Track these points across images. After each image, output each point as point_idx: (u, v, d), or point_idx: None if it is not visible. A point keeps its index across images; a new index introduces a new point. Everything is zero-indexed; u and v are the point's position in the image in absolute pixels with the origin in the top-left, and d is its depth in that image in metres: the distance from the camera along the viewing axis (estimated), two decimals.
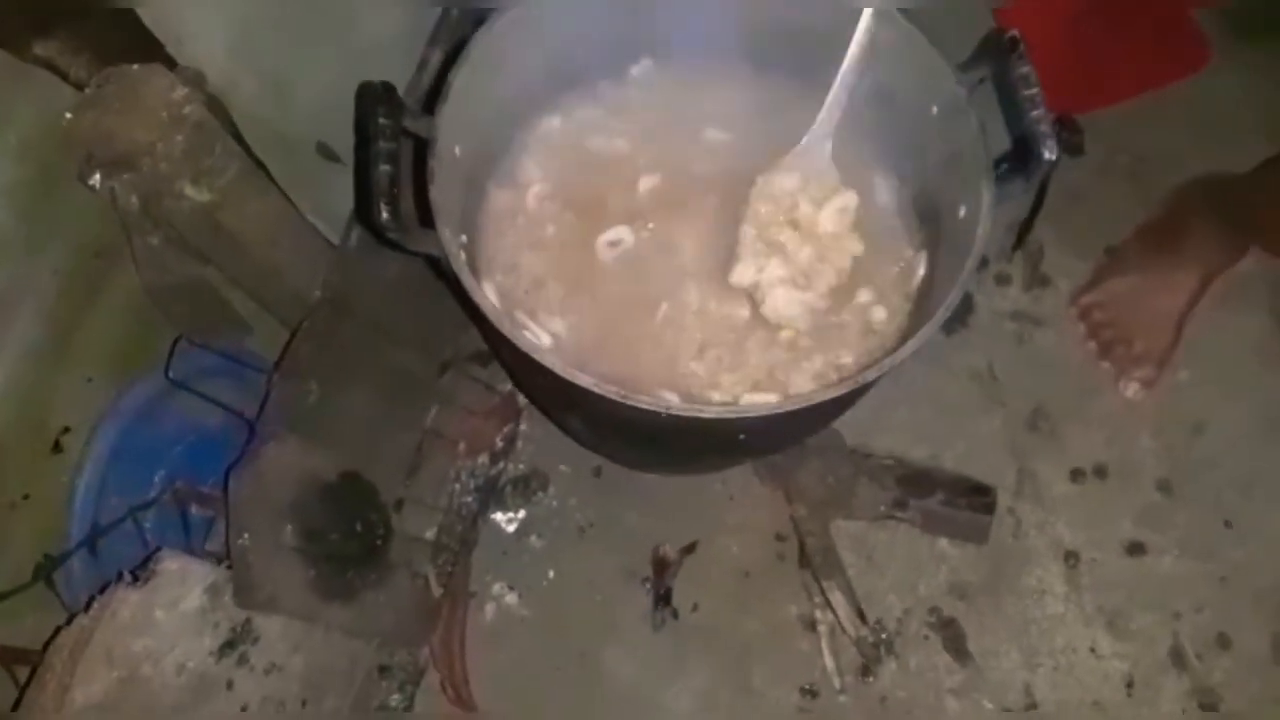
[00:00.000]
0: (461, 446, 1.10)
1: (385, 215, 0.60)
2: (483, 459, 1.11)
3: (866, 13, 0.71)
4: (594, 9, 0.80)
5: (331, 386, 0.97)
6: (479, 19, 0.74)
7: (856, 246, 0.77)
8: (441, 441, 1.09)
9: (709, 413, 0.60)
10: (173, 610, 0.77)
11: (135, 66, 0.82)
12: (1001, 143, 0.73)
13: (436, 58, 0.91)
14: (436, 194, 0.65)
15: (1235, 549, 1.11)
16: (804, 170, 0.77)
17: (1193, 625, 1.08)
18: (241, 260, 0.95)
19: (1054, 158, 0.63)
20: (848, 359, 0.75)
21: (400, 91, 1.00)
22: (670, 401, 0.68)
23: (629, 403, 0.59)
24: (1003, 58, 0.67)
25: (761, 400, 0.70)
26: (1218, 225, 1.16)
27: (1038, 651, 1.07)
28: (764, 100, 0.85)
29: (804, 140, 0.77)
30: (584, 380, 0.59)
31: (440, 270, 0.64)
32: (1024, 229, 1.22)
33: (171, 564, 0.76)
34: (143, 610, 0.74)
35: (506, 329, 0.61)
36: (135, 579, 0.75)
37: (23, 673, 0.77)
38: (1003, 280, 1.24)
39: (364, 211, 0.74)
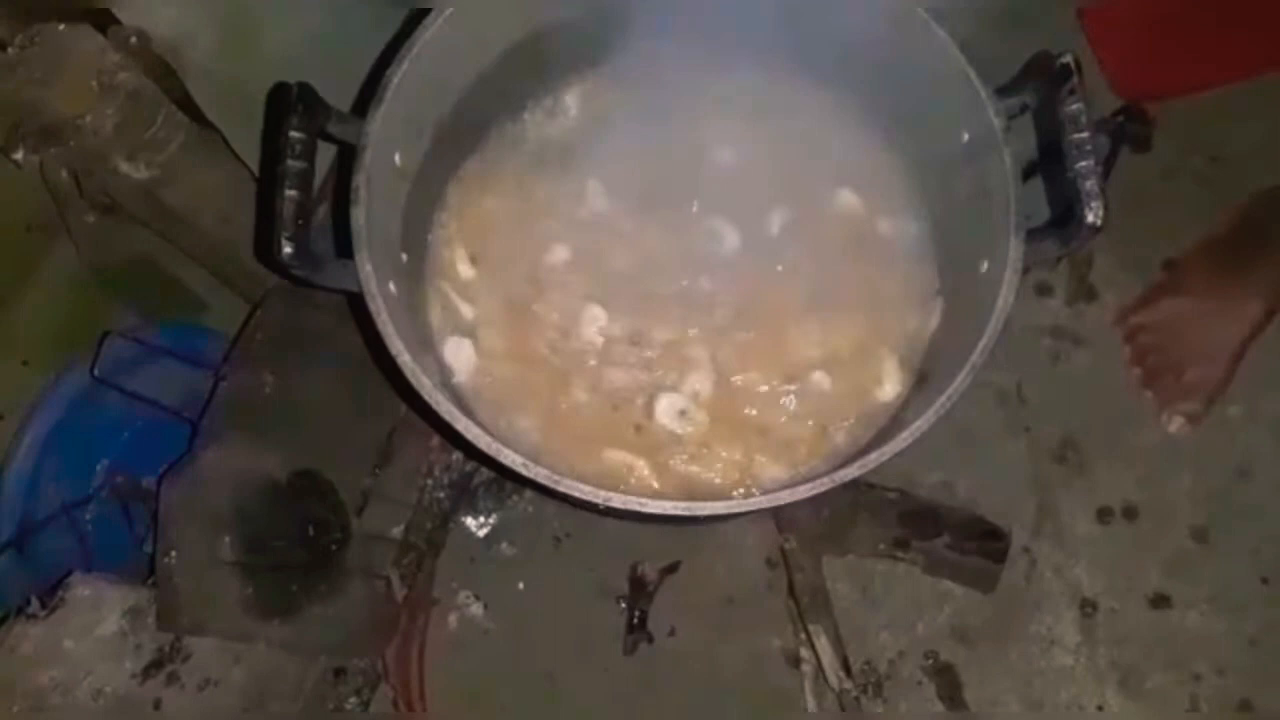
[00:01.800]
0: (435, 440, 1.03)
1: (288, 250, 0.50)
2: (458, 454, 1.04)
3: None
4: None
5: (289, 377, 0.90)
6: None
7: None
8: (415, 433, 1.01)
9: (651, 508, 0.51)
10: (85, 638, 0.71)
11: (61, 27, 0.74)
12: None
13: None
14: (360, 217, 0.55)
15: (1269, 608, 1.01)
16: None
17: (1213, 688, 0.99)
18: (191, 238, 0.87)
19: (1099, 223, 0.52)
20: (839, 437, 0.65)
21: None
22: (620, 468, 0.59)
23: (560, 490, 0.50)
24: (1052, 87, 0.55)
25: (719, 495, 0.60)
26: None
27: (1041, 706, 0.98)
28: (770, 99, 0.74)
29: None
30: (509, 459, 0.51)
31: (358, 307, 0.55)
32: None
33: (83, 590, 0.71)
34: (47, 642, 0.69)
35: (426, 393, 0.52)
36: (43, 606, 0.69)
37: None
38: (1043, 290, 1.12)
39: (262, 243, 0.64)
